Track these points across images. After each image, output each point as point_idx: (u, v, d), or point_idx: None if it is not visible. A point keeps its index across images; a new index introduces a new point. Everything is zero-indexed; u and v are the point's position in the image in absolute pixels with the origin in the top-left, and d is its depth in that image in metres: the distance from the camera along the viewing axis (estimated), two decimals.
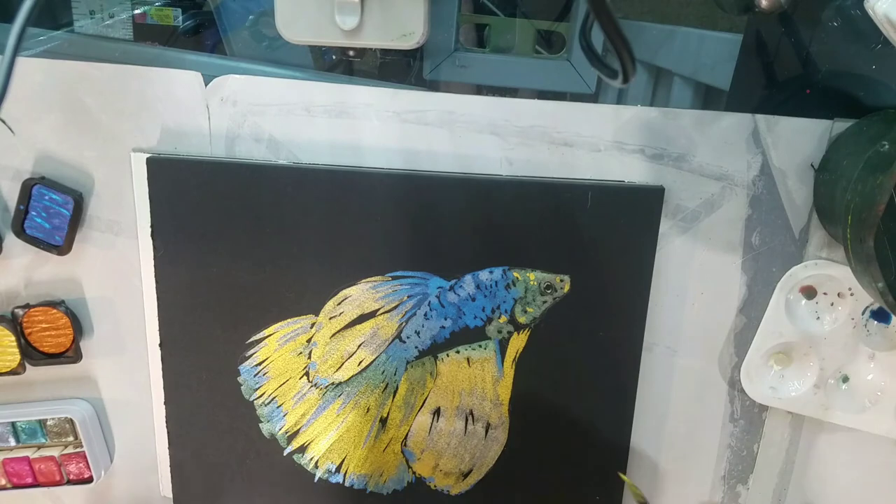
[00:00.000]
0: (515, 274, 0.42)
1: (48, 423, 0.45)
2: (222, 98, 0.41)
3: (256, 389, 0.44)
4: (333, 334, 0.43)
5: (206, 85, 0.41)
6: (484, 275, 0.42)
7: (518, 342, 0.43)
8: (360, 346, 0.43)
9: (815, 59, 0.42)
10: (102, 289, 0.44)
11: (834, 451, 0.48)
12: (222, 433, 0.45)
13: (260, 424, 0.44)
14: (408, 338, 0.43)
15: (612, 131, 0.42)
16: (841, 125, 0.41)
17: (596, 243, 0.42)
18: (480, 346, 0.43)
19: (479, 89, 0.47)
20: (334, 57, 0.47)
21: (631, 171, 0.42)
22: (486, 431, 0.45)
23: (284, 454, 0.45)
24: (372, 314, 0.43)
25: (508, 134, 0.42)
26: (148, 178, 0.41)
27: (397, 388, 0.44)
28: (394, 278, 0.42)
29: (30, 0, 0.29)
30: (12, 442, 0.45)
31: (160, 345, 0.43)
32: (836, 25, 0.41)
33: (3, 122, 0.41)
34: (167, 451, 0.45)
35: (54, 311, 0.43)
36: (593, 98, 0.46)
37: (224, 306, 0.42)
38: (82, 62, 0.40)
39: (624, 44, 0.25)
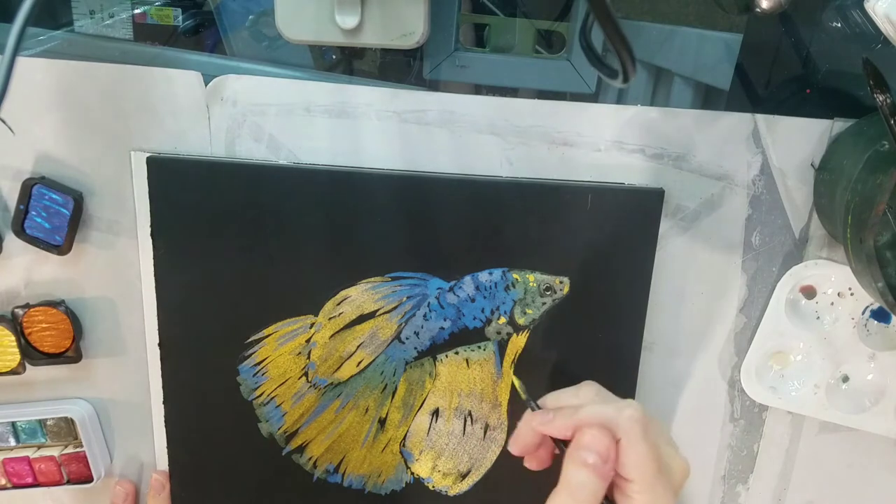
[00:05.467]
0: (515, 275, 0.42)
1: (48, 423, 0.45)
2: (222, 98, 0.41)
3: (255, 389, 0.44)
4: (333, 335, 0.43)
5: (206, 85, 0.41)
6: (483, 276, 0.42)
7: (517, 343, 0.43)
8: (359, 346, 0.43)
9: (815, 59, 0.42)
10: (102, 289, 0.44)
11: (834, 451, 0.48)
12: (221, 433, 0.45)
13: (259, 424, 0.44)
14: (407, 338, 0.43)
15: (612, 131, 0.42)
16: (841, 125, 0.41)
17: (596, 245, 0.42)
18: (479, 348, 0.43)
19: (479, 89, 0.47)
20: (334, 57, 0.47)
21: (631, 170, 0.42)
22: (485, 432, 0.45)
23: (283, 454, 0.45)
24: (371, 315, 0.43)
25: (508, 134, 0.42)
26: (148, 178, 0.41)
27: (396, 388, 0.44)
28: (393, 279, 0.42)
29: (30, 0, 0.29)
30: (12, 442, 0.45)
31: (160, 344, 0.43)
32: (836, 25, 0.41)
33: (3, 122, 0.41)
34: (166, 450, 0.45)
35: (54, 311, 0.43)
36: (593, 98, 0.46)
37: (223, 306, 0.42)
38: (82, 62, 0.40)
39: (624, 44, 0.25)
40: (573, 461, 0.33)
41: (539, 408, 0.37)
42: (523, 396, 0.39)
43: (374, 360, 0.44)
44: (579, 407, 0.35)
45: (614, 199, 0.41)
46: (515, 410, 0.44)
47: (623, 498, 0.33)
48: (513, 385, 0.43)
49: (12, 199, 0.42)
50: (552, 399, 0.38)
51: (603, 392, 0.37)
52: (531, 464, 0.38)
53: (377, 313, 0.43)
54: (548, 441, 0.37)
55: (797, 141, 0.42)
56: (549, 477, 0.47)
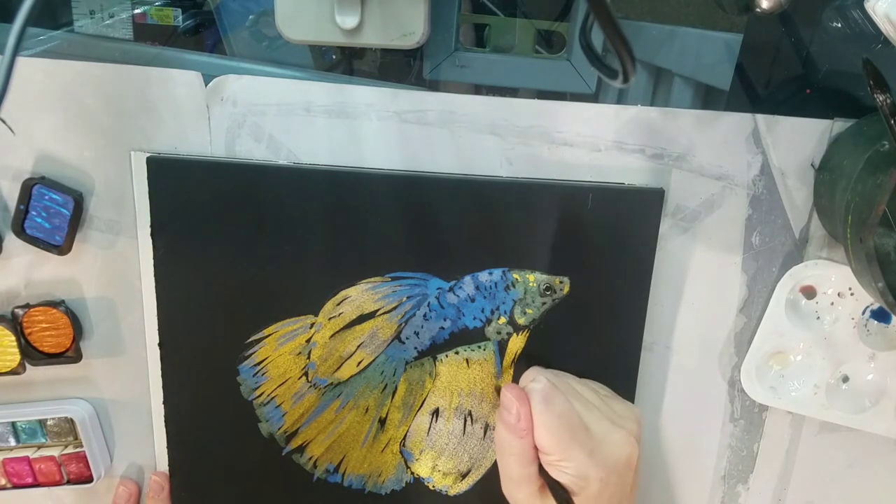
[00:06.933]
0: (515, 275, 0.42)
1: (48, 423, 0.45)
2: (222, 98, 0.41)
3: (255, 389, 0.44)
4: (333, 335, 0.43)
5: (206, 85, 0.41)
6: (483, 276, 0.42)
7: (517, 343, 0.43)
8: (359, 346, 0.43)
9: (815, 59, 0.42)
10: (102, 289, 0.44)
11: (834, 451, 0.48)
12: (221, 433, 0.45)
13: (259, 424, 0.44)
14: (407, 338, 0.43)
15: (612, 131, 0.42)
16: (841, 125, 0.41)
17: (596, 245, 0.42)
18: (480, 348, 0.43)
19: (479, 89, 0.47)
20: (334, 57, 0.47)
21: (631, 170, 0.42)
22: (485, 432, 0.45)
23: (283, 454, 0.45)
24: (371, 315, 0.43)
25: (508, 134, 0.42)
26: (148, 178, 0.41)
27: (396, 388, 0.44)
28: (393, 279, 0.42)
29: (30, 0, 0.28)
30: (12, 442, 0.45)
31: (160, 345, 0.43)
32: (836, 25, 0.41)
33: (4, 122, 0.41)
34: (166, 450, 0.45)
35: (54, 311, 0.43)
36: (593, 98, 0.46)
37: (223, 306, 0.42)
38: (82, 62, 0.40)
39: (624, 44, 0.25)
40: (496, 421, 0.39)
41: None
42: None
43: (374, 360, 0.44)
44: None
45: (615, 199, 0.41)
46: None
47: (555, 471, 0.36)
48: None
49: (12, 199, 0.42)
50: None
51: (538, 371, 0.41)
52: None
53: (377, 313, 0.43)
54: None
55: (797, 141, 0.42)
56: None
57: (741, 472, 0.48)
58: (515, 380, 0.44)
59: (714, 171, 0.42)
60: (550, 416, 0.36)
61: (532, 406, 0.37)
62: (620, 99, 0.49)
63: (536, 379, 0.39)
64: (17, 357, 0.43)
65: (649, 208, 0.41)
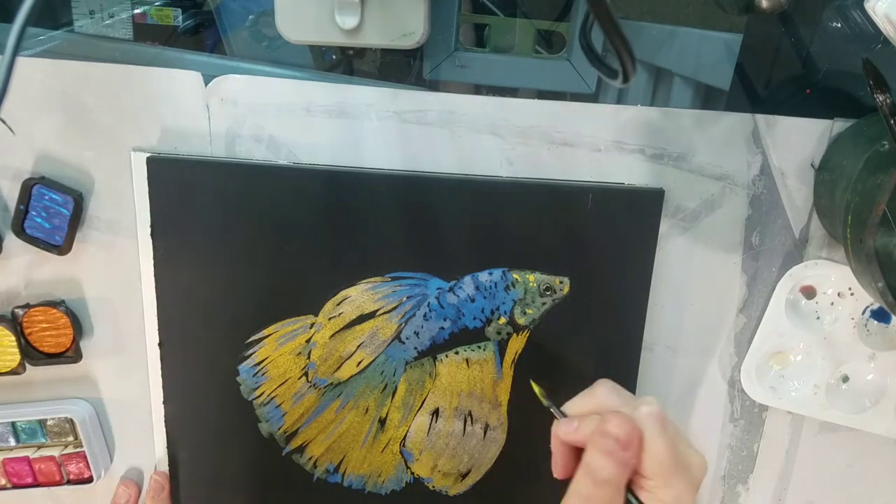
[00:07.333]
0: (515, 275, 0.42)
1: (48, 423, 0.45)
2: (222, 98, 0.41)
3: (255, 389, 0.44)
4: (333, 335, 0.43)
5: (206, 85, 0.41)
6: (483, 276, 0.42)
7: (517, 343, 0.43)
8: (359, 346, 0.43)
9: (815, 59, 0.42)
10: (102, 289, 0.44)
11: (834, 451, 0.48)
12: (221, 433, 0.45)
13: (259, 424, 0.44)
14: (407, 338, 0.43)
15: (612, 131, 0.42)
16: (841, 125, 0.41)
17: (596, 245, 0.42)
18: (479, 348, 0.43)
19: (479, 89, 0.47)
20: (334, 57, 0.47)
21: (631, 170, 0.42)
22: (485, 432, 0.45)
23: (283, 454, 0.45)
24: (371, 315, 0.43)
25: (508, 134, 0.42)
26: (148, 178, 0.41)
27: (396, 388, 0.44)
28: (393, 279, 0.42)
29: (30, 0, 0.28)
30: (12, 442, 0.45)
31: (160, 344, 0.43)
32: (836, 25, 0.41)
33: (3, 122, 0.41)
34: (166, 450, 0.45)
35: (54, 311, 0.43)
36: (593, 98, 0.46)
37: (223, 306, 0.42)
38: (82, 62, 0.40)
39: (624, 44, 0.25)
40: (595, 447, 0.33)
41: (564, 415, 0.37)
42: (545, 403, 0.39)
43: (374, 360, 0.44)
44: (601, 412, 0.35)
45: (615, 199, 0.41)
46: (515, 410, 0.45)
47: (644, 493, 0.33)
48: (521, 390, 0.43)
49: (12, 199, 0.42)
50: (571, 406, 0.37)
51: (617, 389, 0.37)
52: (557, 471, 0.37)
53: (377, 313, 0.43)
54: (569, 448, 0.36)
55: (797, 141, 0.42)
56: (549, 478, 0.47)
57: (741, 472, 0.48)
58: (516, 380, 0.44)
59: (714, 171, 0.43)
60: (663, 442, 0.33)
61: (647, 431, 0.33)
62: (620, 99, 0.49)
63: (648, 401, 0.35)
64: (17, 357, 0.43)
65: (649, 208, 0.41)
